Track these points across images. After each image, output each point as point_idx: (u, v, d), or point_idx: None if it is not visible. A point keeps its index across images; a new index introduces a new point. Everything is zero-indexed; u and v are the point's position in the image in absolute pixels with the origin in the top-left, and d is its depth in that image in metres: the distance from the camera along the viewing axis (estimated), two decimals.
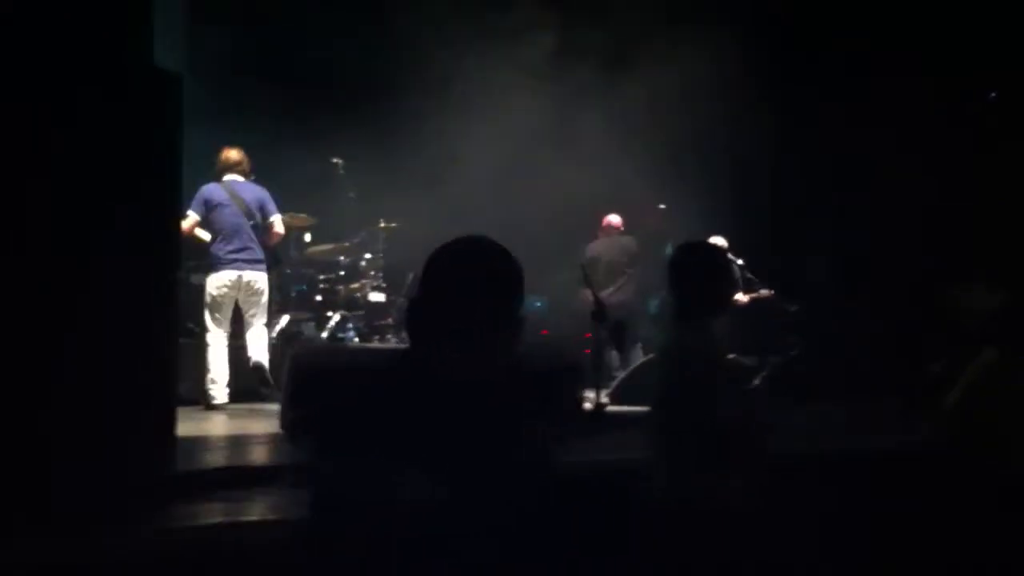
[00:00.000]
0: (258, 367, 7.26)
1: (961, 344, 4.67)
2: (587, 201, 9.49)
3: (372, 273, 9.13)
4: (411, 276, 9.27)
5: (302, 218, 8.76)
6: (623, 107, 9.18)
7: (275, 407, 6.19)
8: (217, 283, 7.19)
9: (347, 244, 9.15)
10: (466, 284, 1.87)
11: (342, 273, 9.09)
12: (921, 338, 7.01)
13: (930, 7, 9.54)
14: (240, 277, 7.20)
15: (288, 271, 8.91)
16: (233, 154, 7.43)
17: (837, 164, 10.13)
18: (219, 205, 7.22)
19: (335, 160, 8.97)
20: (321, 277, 9.04)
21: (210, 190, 7.25)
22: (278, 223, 7.45)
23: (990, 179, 8.96)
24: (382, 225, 9.18)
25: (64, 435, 3.29)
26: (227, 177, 7.37)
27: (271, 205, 7.42)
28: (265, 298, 7.43)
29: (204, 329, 7.23)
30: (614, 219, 9.75)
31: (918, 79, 9.29)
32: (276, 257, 7.84)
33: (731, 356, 8.23)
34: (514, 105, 8.90)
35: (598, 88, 9.32)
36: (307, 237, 9.18)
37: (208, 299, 7.21)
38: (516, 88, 9.01)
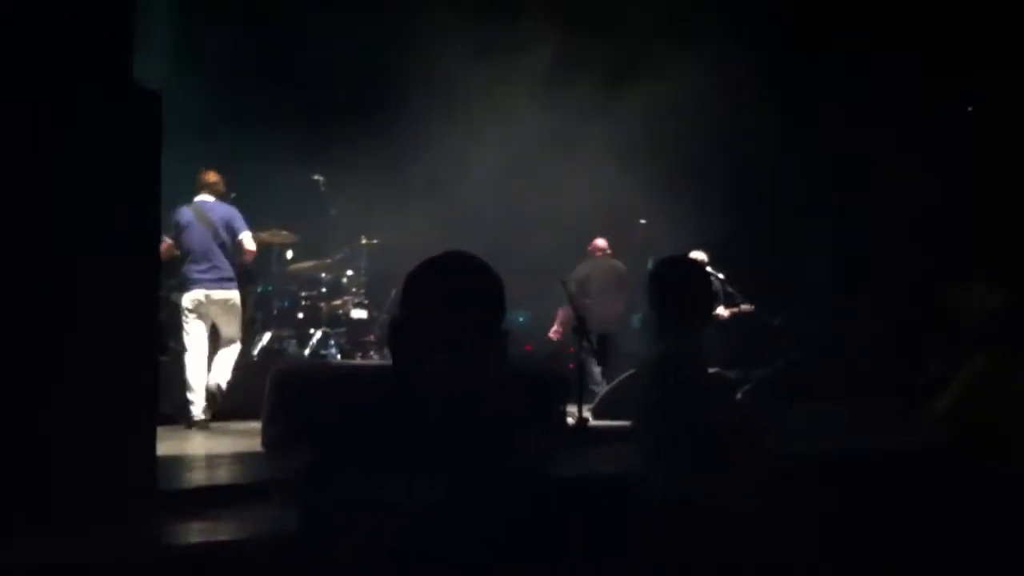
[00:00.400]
0: (212, 393, 7.43)
1: (960, 344, 4.74)
2: (578, 213, 9.57)
3: (354, 290, 9.26)
4: (393, 293, 9.36)
5: (284, 235, 8.86)
6: (621, 110, 9.30)
7: (257, 424, 6.25)
8: (188, 303, 7.43)
9: (329, 261, 9.27)
10: (450, 298, 1.92)
11: (324, 290, 9.22)
12: (921, 338, 7.09)
13: (930, 7, 9.70)
14: (209, 296, 7.43)
15: (270, 288, 9.01)
16: (206, 175, 7.66)
17: (837, 164, 10.30)
18: (187, 226, 7.49)
19: (316, 177, 9.08)
20: (303, 294, 9.17)
21: (179, 212, 7.51)
22: (247, 240, 7.62)
23: (990, 179, 9.10)
24: (364, 242, 9.29)
25: (64, 435, 3.37)
26: (198, 198, 7.61)
27: (239, 223, 7.61)
28: (238, 315, 7.63)
29: (183, 348, 7.41)
30: (600, 242, 9.98)
31: (918, 79, 9.49)
32: (249, 274, 8.03)
33: (713, 370, 8.32)
34: (506, 116, 9.06)
35: (596, 92, 9.46)
36: (289, 254, 9.26)
37: (182, 318, 7.43)
38: (509, 97, 9.14)
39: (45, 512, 3.22)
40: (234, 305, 7.54)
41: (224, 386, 7.41)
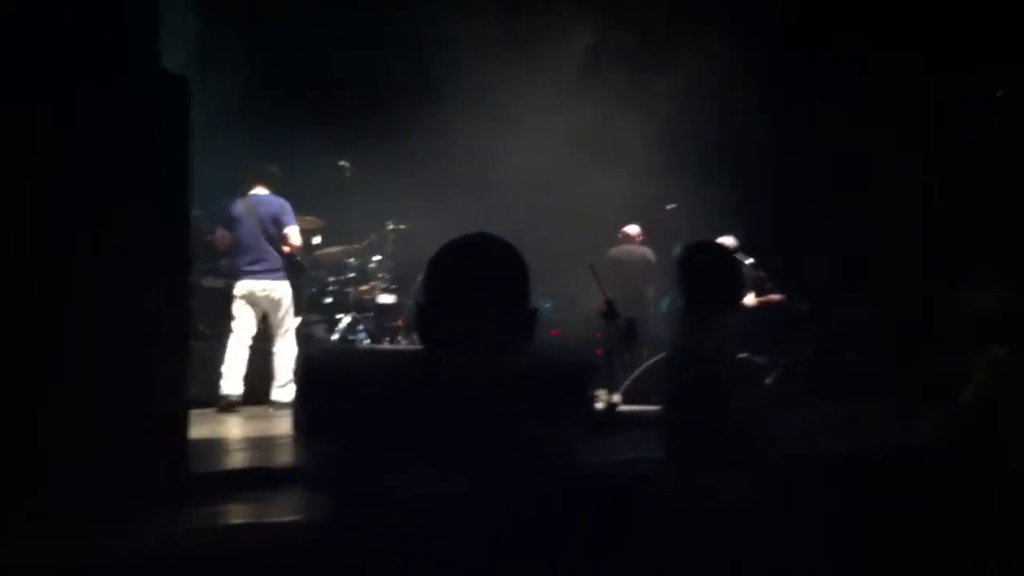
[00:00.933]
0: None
1: (962, 344, 4.59)
2: (597, 202, 9.35)
3: (381, 275, 9.05)
4: (419, 279, 9.15)
5: (311, 221, 8.69)
6: (624, 110, 9.08)
7: (288, 408, 6.10)
8: (238, 292, 7.45)
9: (356, 246, 9.04)
10: (473, 281, 1.83)
11: (352, 275, 9.01)
12: (921, 338, 6.89)
13: (930, 7, 9.39)
14: (256, 287, 7.42)
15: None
16: (262, 169, 7.70)
17: (837, 164, 10.01)
18: (237, 219, 7.48)
19: (342, 163, 8.87)
20: (331, 279, 8.97)
21: (231, 205, 7.52)
22: (293, 235, 7.54)
23: (990, 179, 8.82)
24: (391, 227, 9.08)
25: (64, 435, 3.19)
26: (252, 191, 7.59)
27: (286, 217, 7.54)
28: (285, 305, 7.54)
29: (228, 331, 7.41)
30: (631, 229, 9.85)
31: (918, 79, 9.18)
32: (297, 266, 7.86)
33: (743, 355, 8.07)
34: (526, 109, 8.87)
35: (600, 92, 9.22)
36: (316, 239, 9.06)
37: (232, 305, 7.45)
38: (529, 92, 8.95)
39: (45, 512, 3.06)
40: (279, 296, 7.47)
41: (286, 400, 7.29)
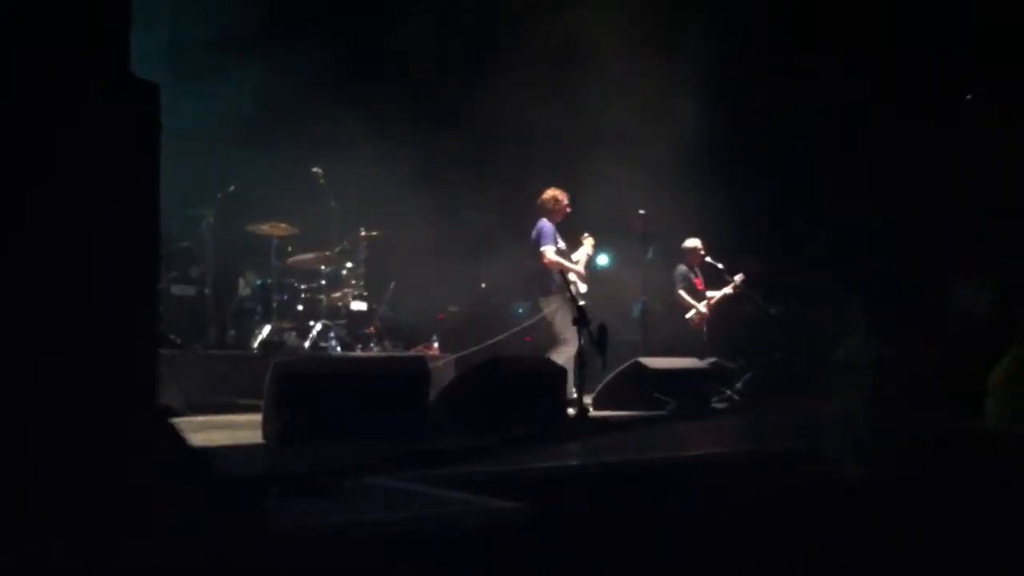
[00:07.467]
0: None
1: (960, 342, 4.66)
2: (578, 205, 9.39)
3: (353, 282, 9.06)
4: (392, 285, 9.21)
5: (283, 228, 8.67)
6: (619, 105, 9.13)
7: (258, 417, 6.06)
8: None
9: (328, 253, 9.04)
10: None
11: (323, 282, 9.00)
12: (921, 335, 6.93)
13: (932, 7, 9.52)
14: (535, 304, 8.41)
15: (270, 280, 8.78)
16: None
17: (837, 163, 10.09)
18: None
19: (315, 170, 8.88)
20: (303, 286, 8.94)
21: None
22: (546, 253, 8.11)
23: (990, 179, 8.89)
24: (363, 234, 9.10)
25: (64, 435, 3.19)
26: None
27: (538, 238, 8.17)
28: (554, 321, 8.10)
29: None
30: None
31: (916, 79, 9.30)
32: (559, 284, 8.01)
33: (714, 360, 8.20)
34: (501, 106, 8.89)
35: (595, 83, 9.26)
36: (288, 247, 9.07)
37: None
38: (504, 85, 8.97)
39: (43, 513, 3.06)
40: (548, 311, 8.10)
41: (576, 393, 6.91)
